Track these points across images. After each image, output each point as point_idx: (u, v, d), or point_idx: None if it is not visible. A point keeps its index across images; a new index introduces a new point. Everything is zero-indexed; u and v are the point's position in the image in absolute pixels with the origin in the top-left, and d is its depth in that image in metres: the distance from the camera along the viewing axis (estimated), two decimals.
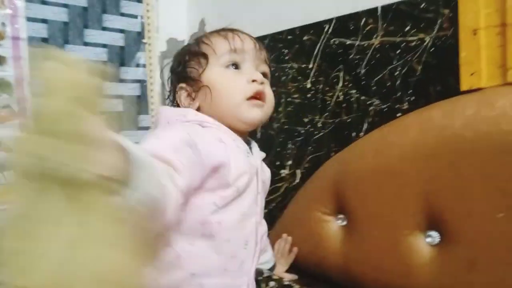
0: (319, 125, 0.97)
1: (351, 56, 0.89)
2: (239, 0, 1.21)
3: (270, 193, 0.80)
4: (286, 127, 1.04)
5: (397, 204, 0.75)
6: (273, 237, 0.94)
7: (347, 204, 0.84)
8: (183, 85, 0.70)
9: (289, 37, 1.02)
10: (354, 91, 0.89)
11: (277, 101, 0.80)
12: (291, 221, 0.98)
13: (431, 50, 0.76)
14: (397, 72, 0.82)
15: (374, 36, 0.85)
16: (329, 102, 0.95)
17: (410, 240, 0.74)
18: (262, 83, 0.67)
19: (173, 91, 0.72)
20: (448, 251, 0.69)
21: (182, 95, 0.70)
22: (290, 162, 1.03)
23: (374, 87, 0.86)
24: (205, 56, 0.69)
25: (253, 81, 0.66)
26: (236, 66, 0.68)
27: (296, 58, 1.01)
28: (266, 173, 0.76)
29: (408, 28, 0.79)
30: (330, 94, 0.94)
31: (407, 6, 0.79)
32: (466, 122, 0.67)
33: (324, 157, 0.95)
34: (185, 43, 1.39)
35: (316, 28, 0.96)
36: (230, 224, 0.61)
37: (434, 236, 0.72)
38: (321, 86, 0.96)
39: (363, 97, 0.88)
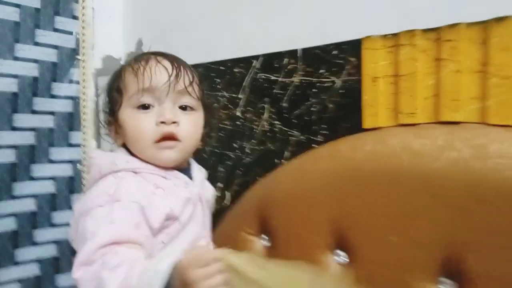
0: (247, 150, 1.05)
1: (275, 91, 0.99)
2: (175, 25, 1.26)
3: None
4: (217, 151, 1.11)
5: (311, 227, 0.84)
6: None
7: (270, 226, 0.93)
8: (111, 119, 0.69)
9: (221, 67, 1.10)
10: (277, 122, 0.99)
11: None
12: (219, 241, 1.03)
13: (341, 91, 0.88)
14: (313, 108, 0.92)
15: (295, 75, 0.95)
16: (255, 130, 1.03)
17: (322, 259, 0.83)
18: (174, 122, 0.64)
19: (106, 123, 0.72)
20: (354, 270, 0.79)
21: (111, 130, 0.69)
22: (220, 184, 1.10)
23: (295, 120, 0.96)
24: (119, 93, 0.66)
25: (162, 122, 0.63)
26: (146, 106, 0.64)
27: (227, 88, 1.09)
28: (209, 190, 0.75)
29: (322, 70, 0.90)
30: (257, 123, 1.03)
31: (322, 51, 0.90)
32: (366, 156, 0.78)
33: (252, 181, 1.03)
34: (121, 61, 1.41)
35: (245, 62, 1.04)
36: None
37: (343, 256, 0.81)
38: (249, 115, 1.04)
39: (285, 128, 0.97)
